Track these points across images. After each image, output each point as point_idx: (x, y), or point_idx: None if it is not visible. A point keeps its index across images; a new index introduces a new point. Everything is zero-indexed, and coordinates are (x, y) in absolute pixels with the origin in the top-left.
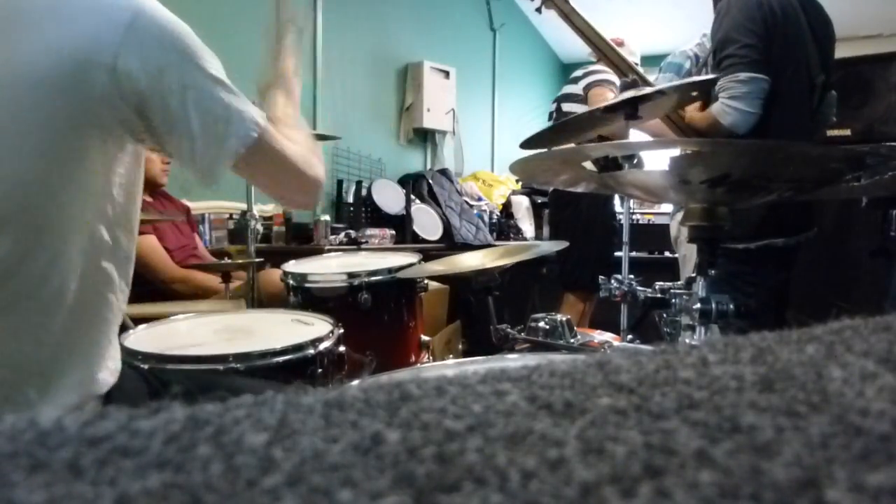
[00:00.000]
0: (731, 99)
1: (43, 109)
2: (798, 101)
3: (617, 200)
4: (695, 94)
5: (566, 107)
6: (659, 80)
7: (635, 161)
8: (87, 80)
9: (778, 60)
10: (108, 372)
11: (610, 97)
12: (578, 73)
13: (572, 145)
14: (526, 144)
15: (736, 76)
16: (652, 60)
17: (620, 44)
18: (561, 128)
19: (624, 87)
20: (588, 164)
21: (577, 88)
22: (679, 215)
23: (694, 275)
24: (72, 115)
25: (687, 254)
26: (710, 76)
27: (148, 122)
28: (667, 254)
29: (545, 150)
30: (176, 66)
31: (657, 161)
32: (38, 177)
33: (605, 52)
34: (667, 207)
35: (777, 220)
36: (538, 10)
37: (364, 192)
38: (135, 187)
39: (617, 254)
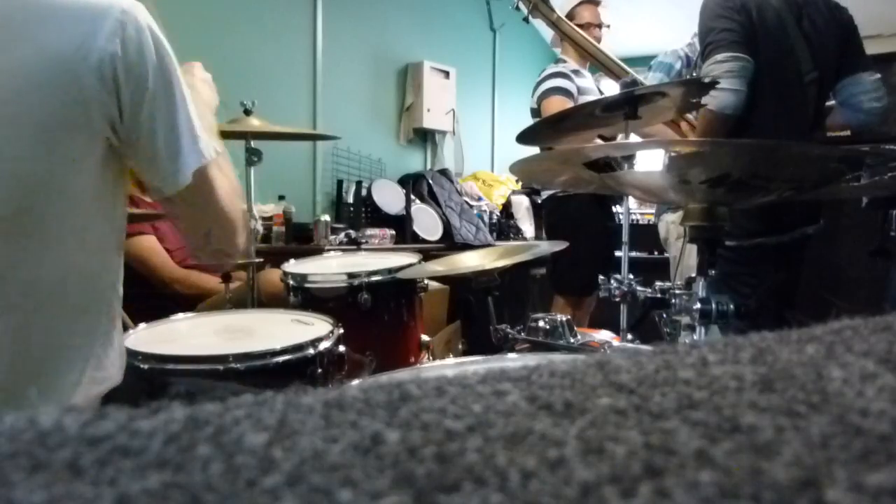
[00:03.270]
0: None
1: (36, 112)
2: (784, 96)
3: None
4: (695, 100)
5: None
6: (648, 79)
7: (634, 161)
8: (77, 83)
9: (763, 51)
10: (112, 371)
11: (562, 104)
12: (534, 85)
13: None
14: (521, 138)
15: (713, 58)
16: (651, 61)
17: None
18: (558, 122)
19: (624, 87)
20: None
21: (533, 102)
22: (666, 216)
23: (694, 275)
24: (64, 117)
25: (677, 254)
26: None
27: (121, 127)
28: (667, 254)
29: (544, 149)
30: (151, 79)
31: (653, 161)
32: (31, 178)
33: (597, 56)
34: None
35: (770, 218)
36: (525, 20)
37: (364, 192)
38: (123, 195)
39: (617, 254)
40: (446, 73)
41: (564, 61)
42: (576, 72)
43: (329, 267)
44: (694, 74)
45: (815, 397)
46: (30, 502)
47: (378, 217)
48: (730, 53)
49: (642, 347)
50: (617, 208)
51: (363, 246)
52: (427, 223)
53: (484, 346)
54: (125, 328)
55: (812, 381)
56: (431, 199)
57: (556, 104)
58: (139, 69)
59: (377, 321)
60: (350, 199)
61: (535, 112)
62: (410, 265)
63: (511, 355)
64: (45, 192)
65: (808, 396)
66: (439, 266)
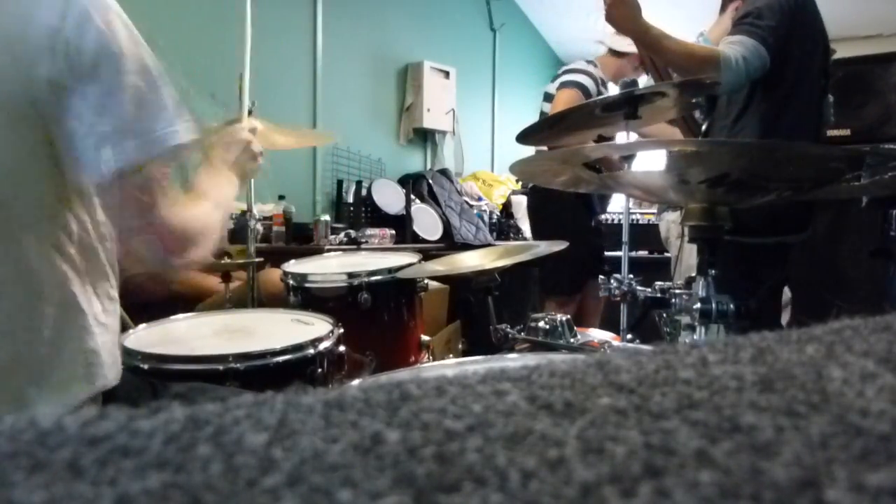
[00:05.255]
0: (733, 44)
1: None
2: (809, 108)
3: (618, 199)
4: (695, 100)
5: (544, 106)
6: (647, 80)
7: (633, 161)
8: (33, 64)
9: (797, 61)
10: (102, 375)
11: (575, 99)
12: (560, 70)
13: (570, 146)
14: (521, 138)
15: (748, 39)
16: None
17: None
18: (555, 122)
19: (623, 88)
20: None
21: (553, 87)
22: (666, 215)
23: (694, 275)
24: (19, 102)
25: (678, 254)
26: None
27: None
28: (667, 254)
29: (544, 149)
30: (104, 64)
31: (652, 161)
32: None
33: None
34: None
35: (791, 216)
36: None
37: (364, 192)
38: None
39: (616, 253)
40: (446, 73)
41: (596, 66)
42: (603, 82)
43: (329, 267)
44: None
45: (815, 397)
46: (30, 502)
47: (378, 217)
48: (759, 45)
49: (642, 347)
50: (611, 208)
51: (363, 246)
52: (427, 223)
53: (484, 346)
54: (125, 328)
55: (812, 381)
56: (431, 198)
57: (568, 96)
58: (90, 54)
59: (377, 321)
60: (350, 199)
61: (548, 96)
62: (410, 265)
63: (511, 355)
64: (9, 181)
65: (808, 396)
66: (439, 266)
